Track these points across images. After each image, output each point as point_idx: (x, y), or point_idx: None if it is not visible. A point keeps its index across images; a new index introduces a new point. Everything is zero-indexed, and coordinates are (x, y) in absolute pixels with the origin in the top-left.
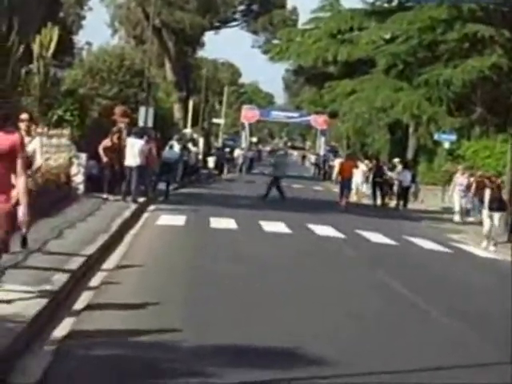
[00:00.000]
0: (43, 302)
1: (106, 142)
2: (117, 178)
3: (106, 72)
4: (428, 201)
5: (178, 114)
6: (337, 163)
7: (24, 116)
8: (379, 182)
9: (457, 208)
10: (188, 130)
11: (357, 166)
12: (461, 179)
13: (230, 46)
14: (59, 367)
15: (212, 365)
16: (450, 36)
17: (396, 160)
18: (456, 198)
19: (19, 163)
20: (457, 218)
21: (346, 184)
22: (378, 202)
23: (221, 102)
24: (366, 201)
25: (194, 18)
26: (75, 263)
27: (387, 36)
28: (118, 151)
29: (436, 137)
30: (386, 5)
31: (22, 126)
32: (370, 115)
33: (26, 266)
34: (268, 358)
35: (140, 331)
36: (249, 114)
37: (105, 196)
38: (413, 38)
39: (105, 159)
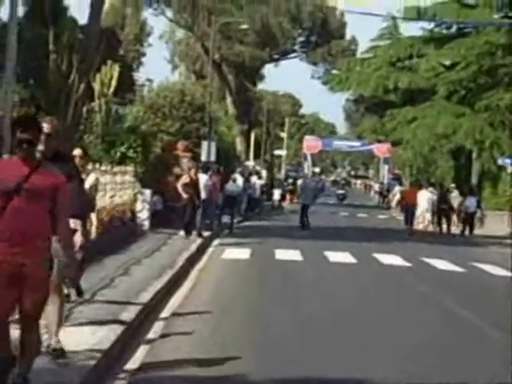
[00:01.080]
0: (112, 336)
1: (185, 179)
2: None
3: (167, 108)
4: (494, 226)
5: (240, 146)
6: (397, 191)
7: (77, 152)
8: (444, 208)
9: None
10: (250, 163)
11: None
12: None
13: (289, 77)
14: None
15: None
16: (509, 60)
17: (452, 186)
18: None
19: (59, 206)
20: None
21: (410, 210)
22: (444, 229)
23: (282, 131)
24: (431, 228)
25: (253, 50)
26: (142, 300)
27: (447, 62)
28: (195, 186)
29: (500, 161)
30: (444, 31)
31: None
32: (433, 142)
33: (95, 301)
34: None
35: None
36: (311, 144)
37: (182, 233)
38: (472, 63)
39: (185, 196)
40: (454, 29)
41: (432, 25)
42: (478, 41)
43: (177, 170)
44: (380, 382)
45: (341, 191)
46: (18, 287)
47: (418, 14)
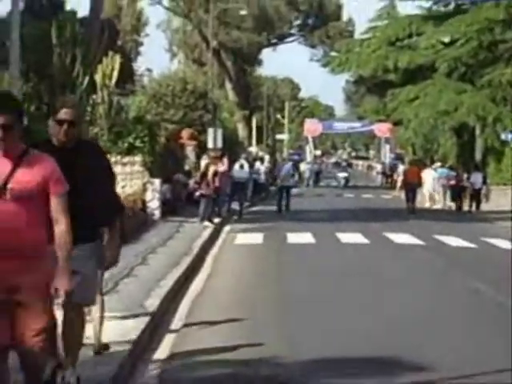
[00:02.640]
0: (141, 326)
1: (217, 168)
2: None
3: (169, 97)
4: (499, 201)
5: (242, 132)
6: (401, 171)
7: None
8: (460, 187)
9: None
10: (253, 148)
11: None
12: None
13: (287, 61)
14: None
15: (317, 377)
16: (509, 35)
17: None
18: None
19: (54, 204)
20: None
21: (410, 190)
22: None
23: (283, 117)
24: (438, 206)
25: (250, 36)
26: (164, 288)
27: (446, 40)
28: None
29: (503, 136)
30: (442, 9)
31: None
32: (435, 120)
33: (118, 291)
34: (369, 367)
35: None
36: (312, 127)
37: (206, 223)
38: (472, 39)
39: (213, 186)
40: (452, 6)
41: (430, 3)
42: (476, 17)
43: (205, 160)
44: (408, 361)
45: (343, 174)
46: (8, 315)
47: None
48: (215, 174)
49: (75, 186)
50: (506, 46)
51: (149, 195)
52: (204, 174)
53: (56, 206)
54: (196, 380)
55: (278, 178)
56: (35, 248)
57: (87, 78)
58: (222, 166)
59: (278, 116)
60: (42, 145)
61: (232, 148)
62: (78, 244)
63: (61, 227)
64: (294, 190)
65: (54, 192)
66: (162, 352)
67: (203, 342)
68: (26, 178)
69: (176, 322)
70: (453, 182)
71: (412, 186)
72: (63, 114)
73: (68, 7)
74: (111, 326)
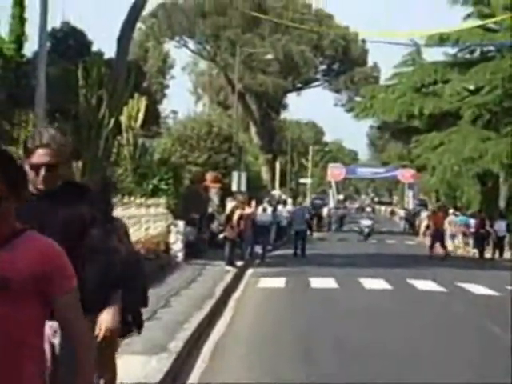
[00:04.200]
0: (164, 369)
1: (243, 211)
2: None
3: (194, 139)
4: None
5: (265, 175)
6: (425, 217)
7: None
8: (482, 234)
9: None
10: (277, 192)
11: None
12: None
13: (312, 105)
14: None
15: None
16: None
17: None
18: None
19: (60, 308)
20: None
21: (438, 235)
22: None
23: (307, 161)
24: (460, 252)
25: (275, 80)
26: (187, 331)
27: (471, 87)
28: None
29: None
30: (468, 56)
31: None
32: (459, 166)
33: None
34: None
35: None
36: (335, 171)
37: (228, 267)
38: (497, 87)
39: (237, 229)
40: (477, 53)
41: (455, 50)
42: (502, 65)
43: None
44: None
45: (367, 222)
46: None
47: (441, 40)
48: (241, 217)
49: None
50: None
51: (172, 237)
52: (229, 217)
53: (62, 311)
54: None
55: (293, 222)
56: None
57: (113, 120)
58: (249, 209)
59: (302, 160)
60: None
61: (256, 191)
62: None
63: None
64: (317, 234)
65: (58, 289)
66: None
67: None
68: (12, 266)
69: (199, 365)
70: (472, 230)
71: (440, 232)
72: (38, 156)
73: (94, 48)
74: (132, 367)
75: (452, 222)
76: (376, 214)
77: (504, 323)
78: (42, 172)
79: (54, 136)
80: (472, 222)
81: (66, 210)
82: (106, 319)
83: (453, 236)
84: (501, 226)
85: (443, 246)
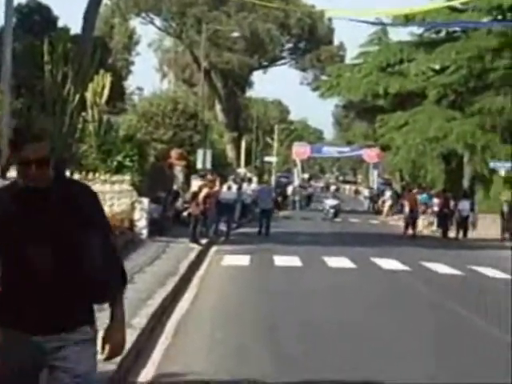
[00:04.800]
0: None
1: (209, 190)
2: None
3: (160, 116)
4: (486, 229)
5: (230, 153)
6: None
7: None
8: (446, 213)
9: None
10: (242, 170)
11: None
12: None
13: (278, 84)
14: None
15: None
16: (500, 64)
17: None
18: None
19: None
20: None
21: (412, 215)
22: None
23: (272, 140)
24: (425, 232)
25: (241, 58)
26: (151, 307)
27: (437, 67)
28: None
29: (491, 165)
30: (434, 36)
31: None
32: (424, 146)
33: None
34: None
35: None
36: (300, 150)
37: (192, 244)
38: (462, 67)
39: (202, 207)
40: (443, 33)
41: (421, 30)
42: (467, 45)
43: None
44: None
45: (332, 201)
46: None
47: (407, 19)
48: (208, 195)
49: (56, 243)
50: (496, 75)
51: (137, 214)
52: (195, 195)
53: None
54: None
55: (259, 201)
56: None
57: (78, 96)
58: (216, 188)
59: (267, 138)
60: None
61: (221, 169)
62: (68, 330)
63: None
64: (282, 213)
65: None
66: (148, 372)
67: (189, 362)
68: None
69: (163, 341)
70: (435, 208)
71: (414, 212)
72: (29, 151)
73: (60, 24)
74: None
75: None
76: (340, 193)
77: (465, 302)
78: (33, 168)
79: (42, 127)
80: (435, 201)
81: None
82: (118, 339)
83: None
84: (464, 205)
85: (414, 225)
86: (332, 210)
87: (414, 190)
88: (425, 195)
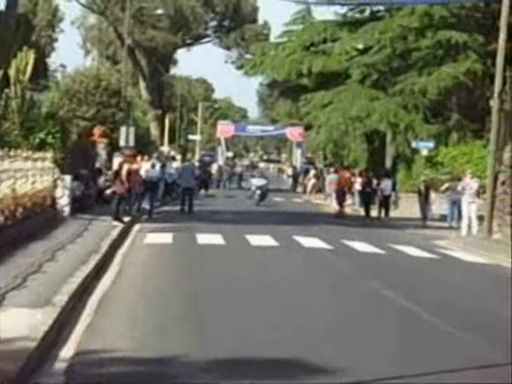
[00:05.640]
0: (49, 321)
1: (131, 166)
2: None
3: (82, 93)
4: (408, 208)
5: (154, 131)
6: (312, 176)
7: None
8: (369, 192)
9: (466, 220)
10: (165, 148)
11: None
12: (471, 184)
13: (202, 62)
14: None
15: (218, 377)
16: (422, 44)
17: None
18: (465, 207)
19: None
20: (464, 231)
21: (341, 194)
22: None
23: (196, 118)
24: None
25: (166, 35)
26: (72, 284)
27: (360, 46)
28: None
29: (414, 144)
30: (357, 15)
31: None
32: (346, 125)
33: (26, 286)
34: (271, 368)
35: (145, 348)
36: (224, 128)
37: (116, 222)
38: (386, 47)
39: (127, 185)
40: (367, 13)
41: (345, 9)
42: (390, 24)
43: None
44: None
45: (259, 181)
46: None
47: None
48: (129, 172)
49: None
50: (419, 55)
51: (59, 192)
52: (117, 173)
53: None
54: (101, 377)
55: (181, 179)
56: None
57: (1, 73)
58: (136, 165)
59: (192, 116)
60: None
61: (144, 147)
62: None
63: None
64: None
65: None
66: (68, 349)
67: (110, 340)
68: None
69: (84, 319)
70: (358, 188)
71: (343, 192)
72: None
73: None
74: (19, 321)
75: (331, 180)
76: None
77: (382, 279)
78: None
79: None
80: (357, 179)
81: None
82: None
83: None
84: (387, 184)
85: (341, 204)
86: (259, 191)
87: (331, 169)
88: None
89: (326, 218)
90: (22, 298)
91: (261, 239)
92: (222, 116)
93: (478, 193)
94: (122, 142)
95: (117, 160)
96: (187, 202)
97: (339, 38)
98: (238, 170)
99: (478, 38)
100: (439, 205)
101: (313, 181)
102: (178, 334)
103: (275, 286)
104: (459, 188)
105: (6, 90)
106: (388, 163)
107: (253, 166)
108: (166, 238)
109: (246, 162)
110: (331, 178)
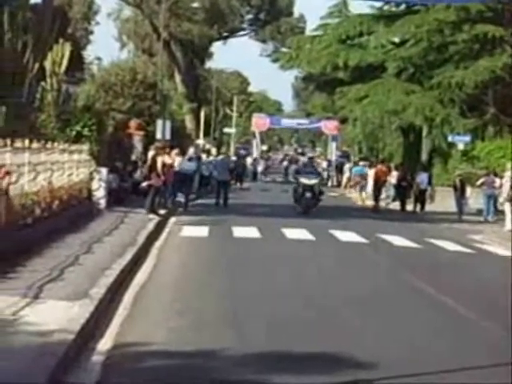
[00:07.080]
0: (86, 314)
1: (167, 160)
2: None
3: (119, 86)
4: (444, 202)
5: (189, 124)
6: (347, 169)
7: None
8: (404, 186)
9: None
10: (201, 141)
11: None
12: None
13: (238, 55)
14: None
15: (256, 372)
16: (459, 37)
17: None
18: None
19: None
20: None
21: (377, 188)
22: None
23: (231, 111)
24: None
25: (201, 28)
26: (109, 277)
27: (396, 40)
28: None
29: (450, 138)
30: (394, 9)
31: None
32: (382, 119)
33: (64, 279)
34: (312, 364)
35: (182, 341)
36: (259, 122)
37: (152, 215)
38: (422, 40)
39: (162, 178)
40: (403, 7)
41: (381, 3)
42: (427, 18)
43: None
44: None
45: (309, 180)
46: None
47: None
48: (164, 165)
49: None
50: (455, 48)
51: (95, 184)
52: (151, 166)
53: None
54: (139, 371)
55: (217, 172)
56: None
57: (37, 65)
58: (170, 159)
59: (227, 110)
60: None
61: (180, 140)
62: None
63: None
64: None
65: None
66: (106, 342)
67: (147, 333)
68: None
69: (121, 312)
70: (394, 182)
71: (379, 186)
72: None
73: None
74: (55, 312)
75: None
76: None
77: (420, 273)
78: None
79: None
80: (393, 173)
81: None
82: None
83: (362, 187)
84: (422, 178)
85: (377, 198)
86: (309, 195)
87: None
88: (359, 167)
89: (361, 212)
90: (59, 291)
91: (297, 233)
92: (257, 109)
93: None
94: (158, 135)
95: (151, 153)
96: (222, 196)
97: (375, 32)
98: (268, 163)
99: None
100: (475, 199)
101: (348, 174)
102: (214, 327)
103: (310, 278)
104: (497, 184)
105: (42, 83)
106: (424, 157)
107: (292, 160)
108: (202, 231)
109: (280, 155)
110: (355, 170)
